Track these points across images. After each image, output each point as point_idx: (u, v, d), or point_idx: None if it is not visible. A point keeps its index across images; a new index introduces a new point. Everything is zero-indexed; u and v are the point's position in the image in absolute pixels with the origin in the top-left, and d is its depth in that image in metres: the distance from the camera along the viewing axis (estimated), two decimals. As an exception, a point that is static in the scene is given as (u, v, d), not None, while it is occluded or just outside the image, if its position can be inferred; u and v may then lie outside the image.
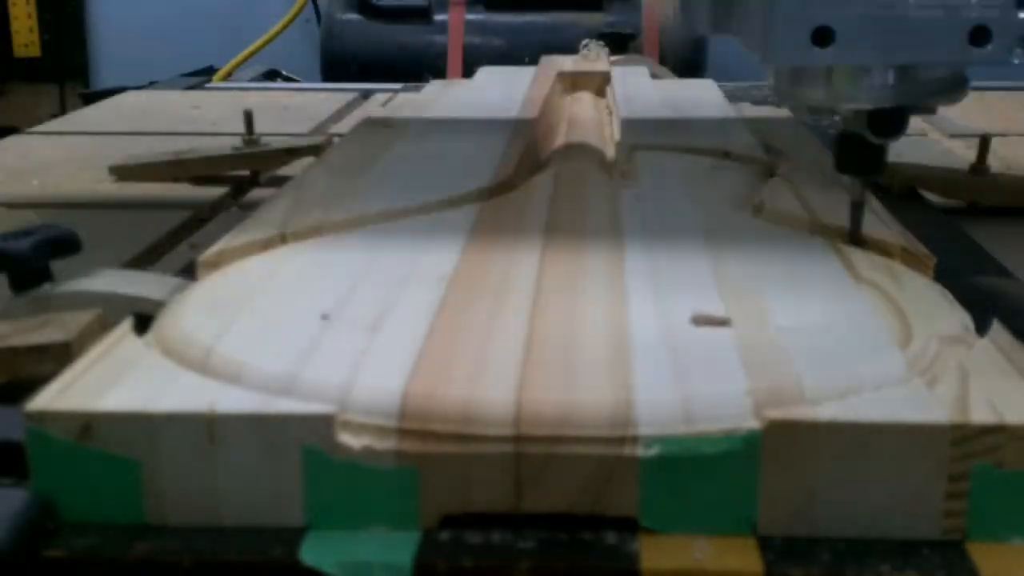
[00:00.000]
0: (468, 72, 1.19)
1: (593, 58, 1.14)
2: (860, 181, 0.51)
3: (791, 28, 0.46)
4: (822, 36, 0.45)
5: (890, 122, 0.48)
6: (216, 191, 0.81)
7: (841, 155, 0.50)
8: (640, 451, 0.33)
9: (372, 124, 0.83)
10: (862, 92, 0.48)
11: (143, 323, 0.43)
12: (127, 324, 0.41)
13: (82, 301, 0.46)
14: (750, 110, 0.96)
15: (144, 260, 0.65)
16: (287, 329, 0.40)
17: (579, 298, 0.43)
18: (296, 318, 0.41)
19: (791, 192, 0.60)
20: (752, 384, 0.35)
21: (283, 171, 0.85)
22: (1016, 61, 0.46)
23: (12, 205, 0.77)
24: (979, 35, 0.45)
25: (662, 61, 1.77)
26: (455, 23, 2.06)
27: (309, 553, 0.34)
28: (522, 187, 0.62)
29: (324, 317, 0.41)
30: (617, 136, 0.80)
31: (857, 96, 0.48)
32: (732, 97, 0.98)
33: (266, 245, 0.51)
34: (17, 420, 0.35)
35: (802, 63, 0.47)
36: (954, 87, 0.48)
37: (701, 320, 0.40)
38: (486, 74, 1.15)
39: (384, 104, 1.17)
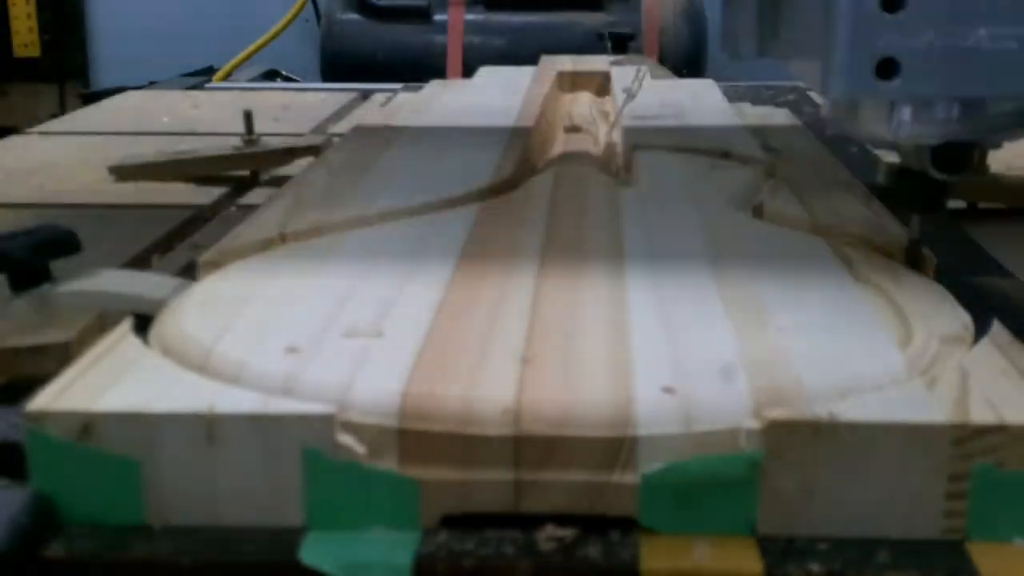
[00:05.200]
0: (468, 72, 1.19)
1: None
2: (919, 218, 0.49)
3: (854, 59, 0.43)
4: (887, 68, 0.43)
5: (955, 158, 0.46)
6: (216, 191, 0.81)
7: (900, 190, 0.49)
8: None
9: (371, 125, 0.83)
10: (926, 126, 0.45)
11: (143, 323, 0.43)
12: (127, 324, 0.41)
13: (82, 301, 0.46)
14: (750, 110, 0.96)
15: (144, 260, 0.65)
16: (287, 329, 0.40)
17: (579, 298, 0.43)
18: (296, 318, 0.41)
19: (791, 192, 0.60)
20: (752, 384, 0.35)
21: (283, 171, 0.85)
22: None
23: (12, 205, 0.77)
24: None
25: (662, 61, 1.77)
26: (455, 23, 2.06)
27: (309, 553, 0.34)
28: (522, 187, 0.62)
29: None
30: (617, 136, 0.80)
31: (920, 130, 0.45)
32: (732, 97, 0.98)
33: (266, 245, 0.51)
34: (17, 420, 0.35)
35: (864, 96, 0.45)
36: (1022, 121, 0.46)
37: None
38: (486, 74, 1.14)
39: (383, 104, 1.17)
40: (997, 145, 0.48)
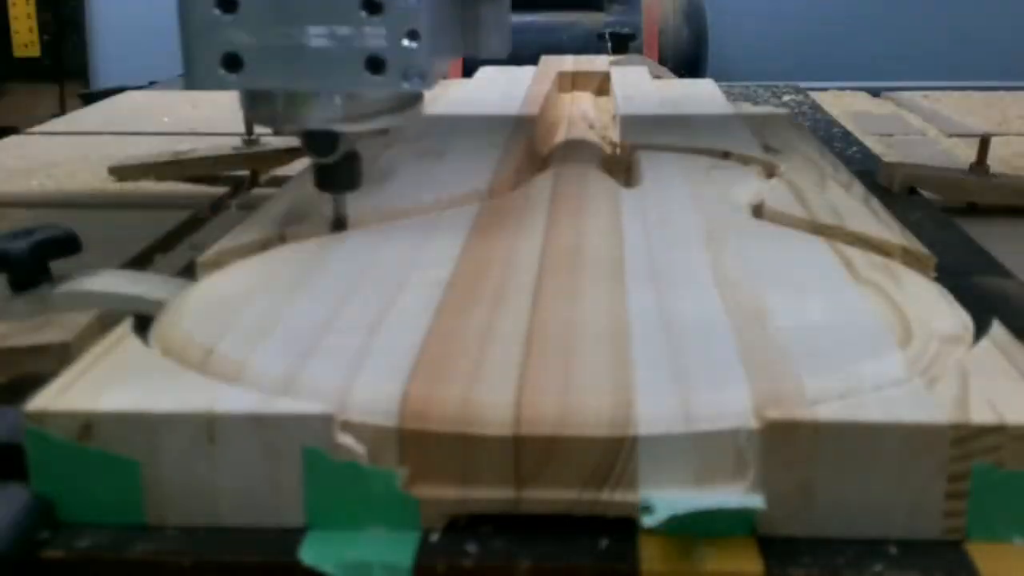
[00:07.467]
0: (468, 72, 1.19)
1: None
2: (336, 197, 0.52)
3: (202, 56, 0.48)
4: (232, 62, 0.47)
5: (322, 143, 0.49)
6: (216, 191, 0.81)
7: (316, 176, 0.52)
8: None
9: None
10: (295, 119, 0.49)
11: (143, 323, 0.43)
12: (127, 324, 0.41)
13: (82, 301, 0.46)
14: (750, 110, 0.96)
15: (144, 260, 0.65)
16: (287, 329, 0.40)
17: (579, 298, 0.43)
18: (296, 318, 0.41)
19: (791, 192, 0.60)
20: (752, 384, 0.35)
21: (283, 171, 0.85)
22: (406, 86, 0.47)
23: (12, 205, 0.77)
24: (375, 64, 0.46)
25: (662, 61, 1.77)
26: (455, 23, 2.06)
27: (309, 553, 0.34)
28: (522, 187, 0.62)
29: None
30: (617, 136, 0.80)
31: (291, 122, 0.49)
32: (732, 97, 0.98)
33: (266, 245, 0.51)
34: (17, 420, 0.35)
35: (216, 88, 0.48)
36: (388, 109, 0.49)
37: None
38: (486, 74, 1.14)
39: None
40: (383, 131, 0.52)
